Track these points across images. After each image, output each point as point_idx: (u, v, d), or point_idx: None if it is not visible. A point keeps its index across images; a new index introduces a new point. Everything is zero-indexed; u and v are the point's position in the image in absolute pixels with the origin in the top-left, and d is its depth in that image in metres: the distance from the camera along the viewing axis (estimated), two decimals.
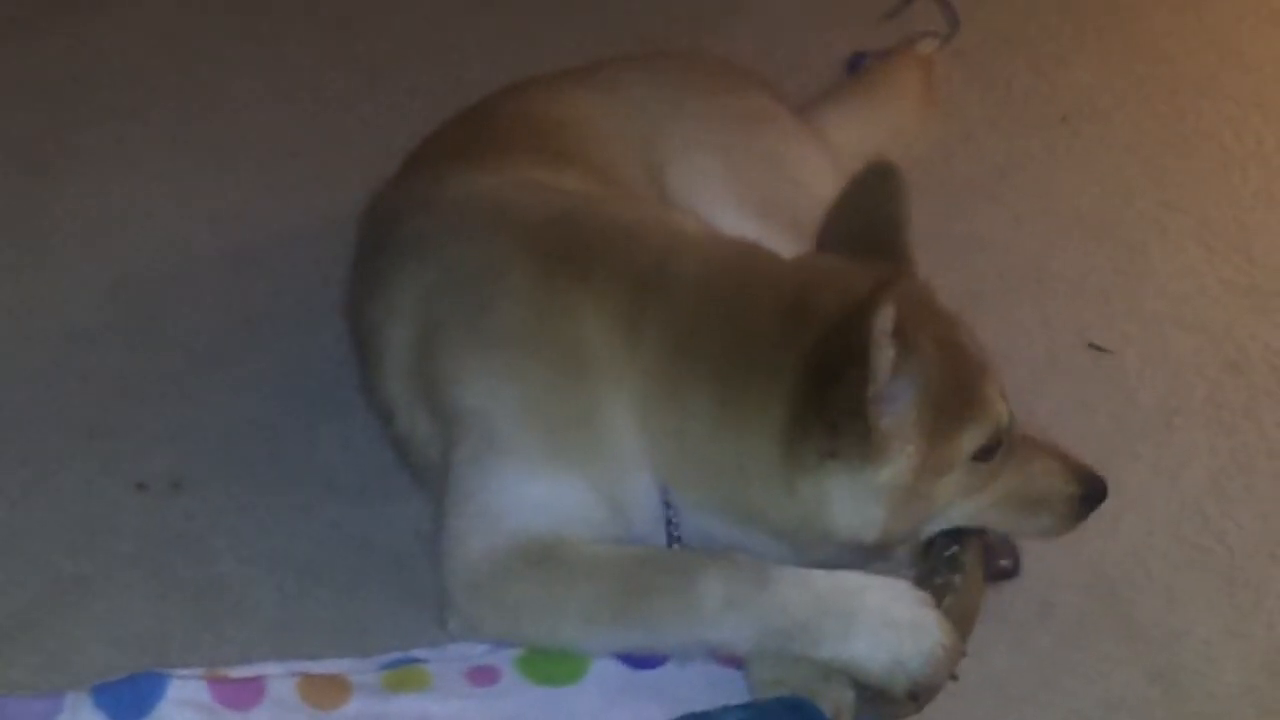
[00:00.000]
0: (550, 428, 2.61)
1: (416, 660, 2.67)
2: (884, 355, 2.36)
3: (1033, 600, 2.82)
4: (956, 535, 2.63)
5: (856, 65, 4.18)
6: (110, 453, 3.09)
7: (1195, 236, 3.71)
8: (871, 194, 2.70)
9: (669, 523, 2.65)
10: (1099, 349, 3.40)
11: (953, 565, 2.60)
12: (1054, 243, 3.69)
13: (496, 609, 2.62)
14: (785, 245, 2.83)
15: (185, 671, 2.60)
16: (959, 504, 2.58)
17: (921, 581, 2.60)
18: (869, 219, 2.67)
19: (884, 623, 2.47)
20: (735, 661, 2.59)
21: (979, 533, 2.65)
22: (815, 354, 2.43)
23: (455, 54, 4.31)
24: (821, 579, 2.51)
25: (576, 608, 2.58)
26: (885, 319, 2.34)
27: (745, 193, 3.13)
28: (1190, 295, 3.55)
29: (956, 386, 2.50)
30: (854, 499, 2.49)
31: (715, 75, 3.49)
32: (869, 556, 2.62)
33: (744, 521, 2.58)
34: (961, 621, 2.57)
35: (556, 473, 2.60)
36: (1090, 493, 2.65)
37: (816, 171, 3.34)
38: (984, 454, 2.54)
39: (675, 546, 2.66)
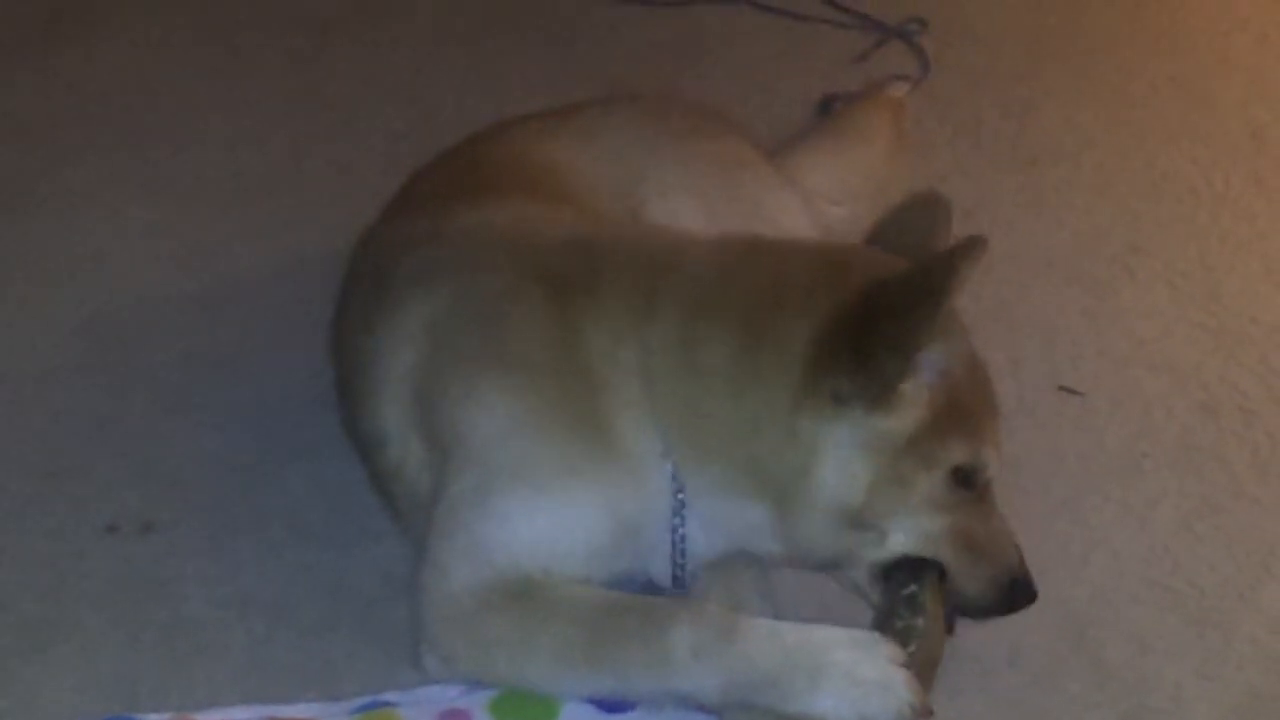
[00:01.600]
0: (560, 445, 2.61)
1: (387, 704, 2.65)
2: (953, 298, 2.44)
3: (1001, 642, 2.82)
4: (914, 574, 2.63)
5: (828, 108, 4.20)
6: (80, 494, 3.08)
7: (1163, 279, 3.73)
8: (914, 221, 2.74)
9: (675, 536, 2.65)
10: (1069, 391, 3.41)
11: (912, 606, 2.60)
12: (1023, 285, 3.70)
13: (471, 644, 2.61)
14: None
15: (154, 716, 2.59)
16: (924, 515, 2.59)
17: (883, 622, 2.61)
18: (906, 246, 2.69)
19: (851, 680, 2.47)
20: (706, 709, 2.59)
21: (935, 571, 2.65)
22: (862, 298, 2.48)
23: (427, 95, 4.32)
24: (792, 633, 2.52)
25: (549, 648, 2.57)
26: (973, 264, 2.41)
27: None
28: (1159, 337, 3.57)
29: (970, 399, 2.58)
30: (849, 449, 2.53)
31: (691, 120, 3.50)
32: (839, 564, 2.66)
33: (747, 493, 2.59)
34: (927, 666, 2.57)
35: (565, 496, 2.61)
36: (1022, 581, 2.66)
37: (791, 215, 3.36)
38: (961, 478, 2.57)
39: (677, 564, 2.68)
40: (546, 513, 2.61)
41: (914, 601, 2.61)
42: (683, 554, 2.68)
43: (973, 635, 2.72)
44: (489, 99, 4.11)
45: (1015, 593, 2.66)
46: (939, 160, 4.09)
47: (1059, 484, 3.17)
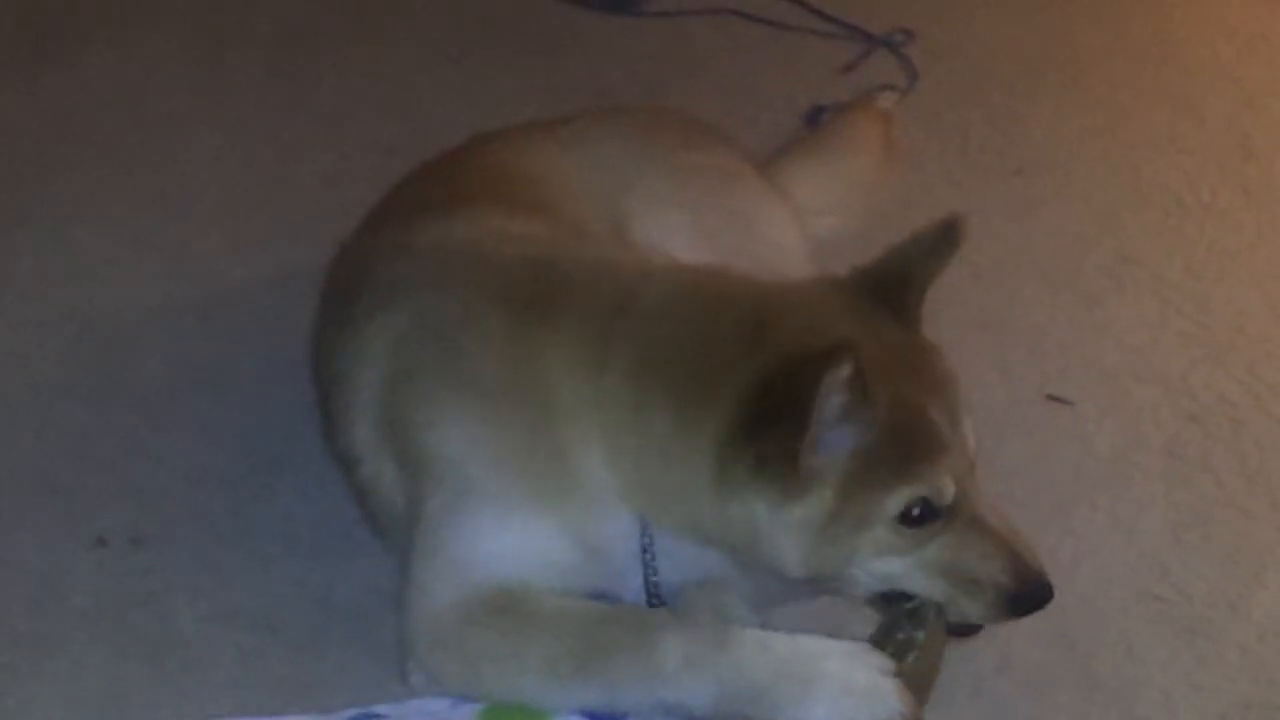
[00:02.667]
0: (523, 472, 2.61)
1: (377, 716, 2.65)
2: (829, 406, 2.37)
3: (991, 652, 2.82)
4: None
5: (815, 119, 4.21)
6: (68, 509, 3.08)
7: (1151, 289, 3.73)
8: (925, 238, 2.68)
9: (645, 561, 2.65)
10: (1057, 400, 3.42)
11: (914, 619, 2.60)
12: (1011, 295, 3.71)
13: (458, 660, 2.61)
14: None
15: None
16: (882, 560, 2.55)
17: (884, 635, 2.61)
18: (906, 260, 2.66)
19: (842, 689, 2.47)
20: None
21: None
22: (760, 385, 2.44)
23: (415, 106, 4.32)
24: (783, 643, 2.53)
25: (538, 660, 2.57)
26: (836, 379, 2.34)
27: (710, 249, 3.13)
28: (1147, 347, 3.57)
29: (899, 450, 2.47)
30: (772, 529, 2.49)
31: (679, 131, 3.50)
32: (821, 590, 2.65)
33: (708, 544, 2.59)
34: (923, 679, 2.58)
35: (531, 517, 2.60)
36: (1023, 593, 2.57)
37: (780, 226, 3.36)
38: (912, 520, 2.50)
39: (651, 583, 2.67)
40: (514, 532, 2.61)
41: (916, 614, 2.61)
42: (655, 585, 2.68)
43: (964, 645, 2.71)
44: (478, 111, 4.10)
45: (1020, 603, 2.59)
46: (926, 170, 4.10)
47: (1048, 493, 3.17)
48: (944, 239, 2.66)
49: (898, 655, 2.57)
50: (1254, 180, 4.09)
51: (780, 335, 2.50)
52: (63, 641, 2.81)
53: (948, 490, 2.51)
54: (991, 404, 3.37)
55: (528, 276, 2.73)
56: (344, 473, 2.93)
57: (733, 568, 2.65)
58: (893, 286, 2.63)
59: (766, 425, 2.42)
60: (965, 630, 2.67)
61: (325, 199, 3.90)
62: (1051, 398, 3.42)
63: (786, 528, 2.49)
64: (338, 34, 4.62)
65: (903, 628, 2.61)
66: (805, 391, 2.36)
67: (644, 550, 2.66)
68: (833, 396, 2.37)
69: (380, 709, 2.66)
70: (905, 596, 2.62)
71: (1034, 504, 3.12)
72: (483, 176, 3.13)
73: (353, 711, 2.67)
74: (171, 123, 4.25)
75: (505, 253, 2.81)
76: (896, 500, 2.48)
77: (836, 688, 2.48)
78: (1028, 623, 2.73)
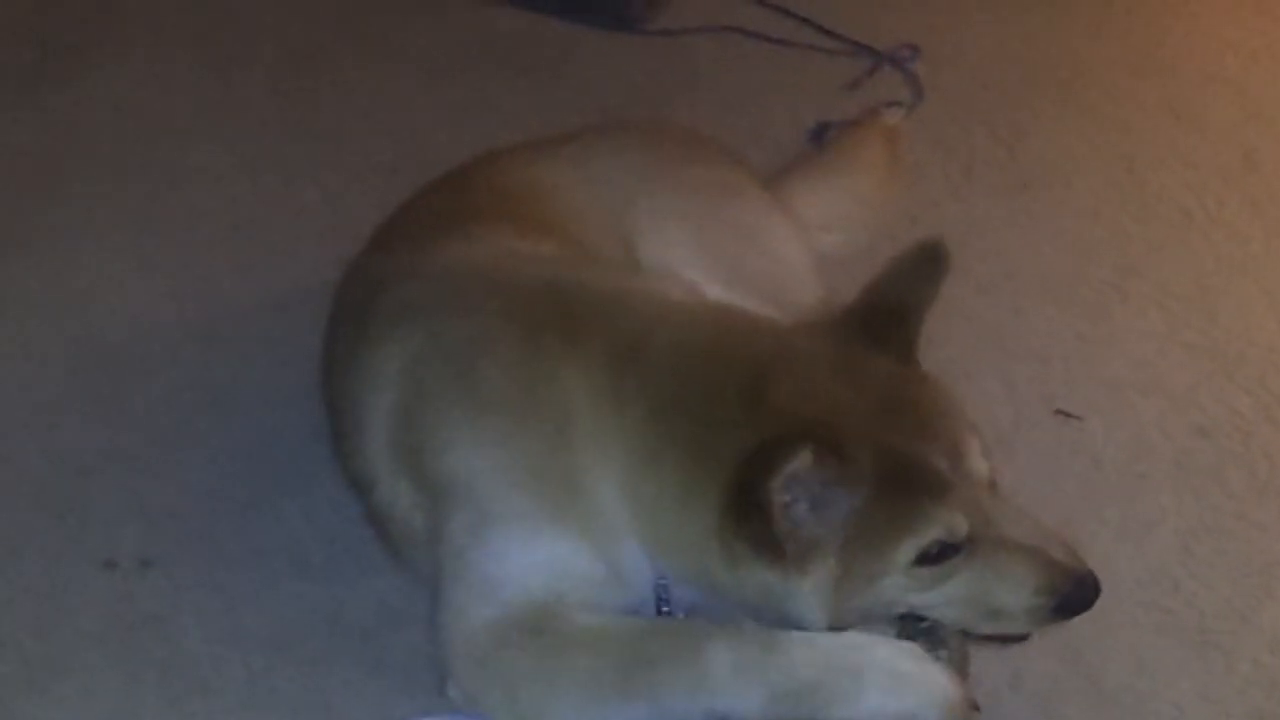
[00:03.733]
0: (542, 492, 2.60)
1: None
2: (801, 490, 2.37)
3: (1003, 667, 2.82)
4: None
5: (820, 135, 4.21)
6: (77, 531, 3.08)
7: (1157, 301, 3.73)
8: (911, 267, 2.63)
9: (658, 591, 2.64)
10: (1065, 415, 3.41)
11: (932, 640, 2.58)
12: (1018, 309, 3.71)
13: (496, 683, 2.60)
14: None
15: None
16: (908, 599, 2.53)
17: None
18: (898, 292, 2.61)
19: (894, 677, 2.47)
20: None
21: None
22: (739, 472, 2.41)
23: (419, 126, 4.32)
24: (827, 639, 2.51)
25: (577, 682, 2.56)
26: (794, 471, 2.34)
27: (715, 264, 3.13)
28: (1154, 360, 3.57)
29: (897, 502, 2.43)
30: (786, 596, 2.48)
31: (684, 146, 3.50)
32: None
33: (723, 600, 2.57)
34: None
35: (555, 535, 2.59)
36: (1066, 601, 2.51)
37: (785, 242, 3.35)
38: (930, 559, 2.47)
39: (664, 615, 2.66)
40: (542, 549, 2.60)
41: (933, 634, 2.60)
42: (668, 608, 2.66)
43: (974, 659, 2.70)
44: (481, 130, 4.10)
45: (1067, 609, 2.53)
46: (931, 185, 4.09)
47: (1057, 507, 3.16)
48: (931, 264, 2.63)
49: None
50: (1259, 191, 4.08)
51: (777, 398, 2.47)
52: (72, 663, 2.81)
53: (959, 528, 2.46)
54: (999, 420, 3.37)
55: (544, 300, 2.72)
56: (358, 495, 2.92)
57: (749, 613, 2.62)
58: (888, 320, 2.59)
59: (747, 517, 2.40)
60: (1011, 638, 2.65)
61: (328, 219, 3.90)
62: (1059, 412, 3.42)
63: (800, 595, 2.48)
64: (340, 55, 4.62)
65: (922, 647, 2.60)
66: (762, 490, 2.35)
67: (656, 585, 2.64)
68: (794, 486, 2.36)
69: None
70: (916, 616, 2.61)
71: (1043, 518, 3.11)
72: (490, 194, 3.13)
73: None
74: (175, 143, 4.25)
75: (520, 274, 2.81)
76: (905, 551, 2.45)
77: (888, 676, 2.48)
78: (1038, 638, 2.73)
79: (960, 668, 2.60)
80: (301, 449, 3.21)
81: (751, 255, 3.24)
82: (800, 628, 2.52)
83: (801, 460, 2.33)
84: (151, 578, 2.99)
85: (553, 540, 2.59)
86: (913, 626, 2.60)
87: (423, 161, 3.58)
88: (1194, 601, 3.00)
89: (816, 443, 2.34)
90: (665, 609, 2.66)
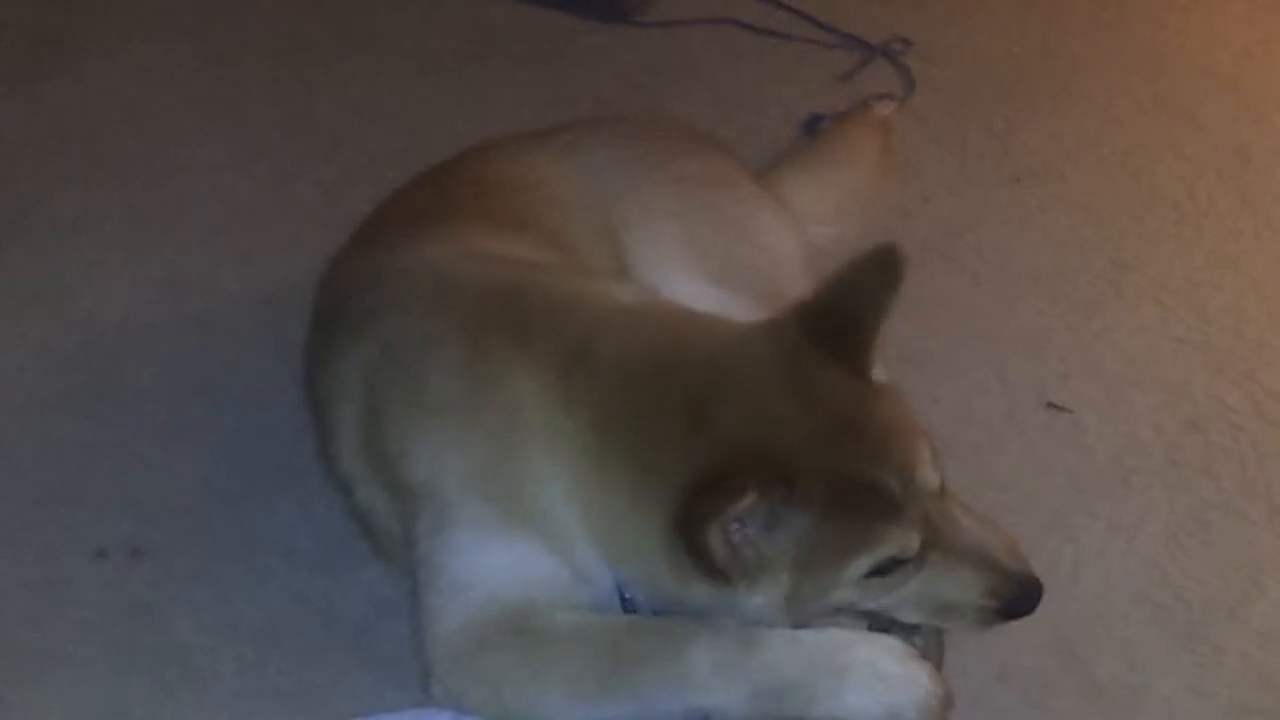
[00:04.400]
0: (494, 496, 2.59)
1: None
2: (745, 522, 2.36)
3: (993, 661, 2.83)
4: None
5: (813, 127, 4.21)
6: (69, 521, 3.08)
7: (1150, 295, 3.73)
8: (867, 274, 2.55)
9: (621, 591, 2.63)
10: (1057, 408, 3.42)
11: (906, 629, 2.60)
12: (1010, 302, 3.71)
13: (478, 682, 2.60)
14: (744, 308, 2.84)
15: None
16: (862, 604, 2.54)
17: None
18: (853, 300, 2.54)
19: (875, 676, 2.47)
20: None
21: None
22: (683, 507, 2.38)
23: (414, 119, 4.32)
24: (809, 637, 2.51)
25: (560, 679, 2.56)
26: (732, 514, 2.33)
27: (704, 257, 3.13)
28: (1146, 354, 3.58)
29: (846, 525, 2.42)
30: (739, 607, 2.49)
31: (674, 139, 3.49)
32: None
33: (675, 603, 2.55)
34: None
35: (510, 538, 2.58)
36: (1008, 604, 2.54)
37: (776, 235, 3.35)
38: (880, 572, 2.47)
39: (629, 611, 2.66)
40: (497, 552, 2.60)
41: (904, 623, 2.61)
42: (632, 608, 2.66)
43: (963, 653, 2.72)
44: (476, 123, 4.11)
45: (1009, 612, 2.56)
46: (924, 179, 4.10)
47: (1047, 500, 3.17)
48: (886, 272, 2.54)
49: None
50: (1252, 187, 4.09)
51: (724, 421, 2.43)
52: (63, 653, 2.82)
53: (910, 544, 2.46)
54: (990, 412, 3.38)
55: (495, 304, 2.70)
56: (341, 496, 2.93)
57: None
58: (842, 328, 2.52)
59: (693, 547, 2.37)
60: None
61: (324, 211, 3.90)
62: (1051, 405, 3.43)
63: (752, 608, 2.48)
64: (336, 46, 4.62)
65: (896, 635, 2.61)
66: (705, 531, 2.34)
67: (619, 587, 2.63)
68: (741, 516, 2.35)
69: (381, 718, 2.67)
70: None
71: (1033, 511, 3.13)
72: (474, 189, 3.13)
73: None
74: (170, 135, 4.25)
75: (475, 278, 2.78)
76: (855, 569, 2.44)
77: (869, 674, 2.48)
78: (1028, 630, 2.74)
79: (936, 654, 2.62)
80: (294, 441, 3.21)
81: (741, 248, 3.23)
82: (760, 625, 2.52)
83: (746, 500, 2.32)
84: (143, 568, 2.99)
85: (509, 545, 2.58)
86: (882, 617, 2.61)
87: (418, 154, 3.57)
88: (1183, 594, 3.01)
89: (761, 476, 2.32)
90: (630, 610, 2.66)
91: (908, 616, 2.57)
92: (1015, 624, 2.70)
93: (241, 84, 4.48)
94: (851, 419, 2.46)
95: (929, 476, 2.50)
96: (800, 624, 2.53)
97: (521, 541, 2.58)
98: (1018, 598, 2.54)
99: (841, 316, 2.52)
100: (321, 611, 2.92)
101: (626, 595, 2.64)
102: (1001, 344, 3.59)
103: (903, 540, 2.44)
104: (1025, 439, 3.34)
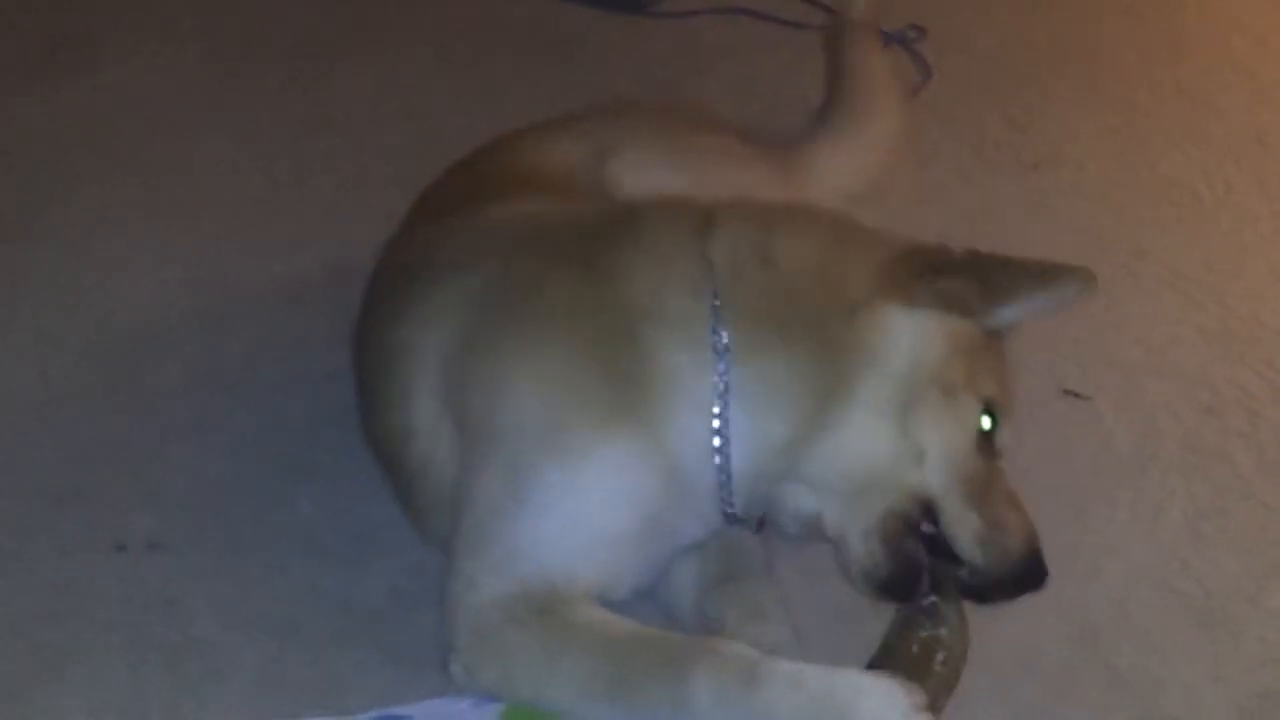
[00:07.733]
0: (602, 383, 2.60)
1: (398, 718, 2.66)
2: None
3: (1015, 650, 2.82)
4: (933, 584, 2.63)
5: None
6: (89, 516, 3.08)
7: (1168, 283, 3.73)
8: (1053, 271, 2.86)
9: (720, 481, 2.64)
10: (1075, 395, 3.41)
11: (934, 616, 2.60)
12: None
13: (496, 659, 2.60)
14: None
15: None
16: (958, 441, 2.65)
17: (905, 629, 2.62)
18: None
19: None
20: None
21: (953, 581, 2.65)
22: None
23: (430, 112, 4.33)
24: (815, 679, 2.46)
25: (570, 673, 2.56)
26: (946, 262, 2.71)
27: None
28: (1164, 341, 3.57)
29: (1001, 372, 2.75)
30: (910, 335, 2.63)
31: (694, 121, 3.51)
32: (870, 493, 2.65)
33: (804, 392, 2.61)
34: (952, 680, 2.60)
35: (604, 441, 2.59)
36: (1033, 562, 2.69)
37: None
38: (985, 434, 2.67)
39: (725, 503, 2.67)
40: (586, 474, 2.59)
41: (934, 611, 2.62)
42: (728, 481, 2.65)
43: (986, 643, 2.71)
44: (492, 116, 4.09)
45: (1028, 570, 2.66)
46: (941, 167, 4.10)
47: (1067, 489, 3.16)
48: (1066, 283, 2.85)
49: (925, 655, 2.58)
50: (1270, 173, 4.08)
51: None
52: (83, 648, 2.82)
53: (1007, 437, 2.73)
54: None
55: (605, 220, 2.80)
56: (389, 456, 2.91)
57: (803, 445, 2.63)
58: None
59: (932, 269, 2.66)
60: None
61: (342, 206, 3.91)
62: (1069, 393, 3.42)
63: (936, 334, 2.65)
64: (351, 43, 4.64)
65: (923, 625, 2.61)
66: (931, 266, 2.66)
67: (719, 470, 2.64)
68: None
69: (400, 710, 2.67)
70: (922, 594, 2.63)
71: (1053, 499, 3.11)
72: (515, 174, 3.15)
73: (373, 714, 2.67)
74: (188, 132, 4.27)
75: (575, 212, 2.89)
76: (995, 388, 2.70)
77: None
78: (1050, 621, 2.76)
79: (957, 670, 2.61)
80: (313, 435, 3.22)
81: None
82: (881, 400, 2.62)
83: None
84: (162, 562, 2.99)
85: (603, 460, 2.59)
86: (914, 604, 2.61)
87: (435, 148, 3.58)
88: (1203, 581, 3.00)
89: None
90: (729, 510, 2.67)
91: (963, 514, 2.65)
92: (1037, 614, 2.72)
93: (258, 81, 4.49)
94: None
95: (1006, 436, 2.73)
96: (910, 431, 2.63)
97: (614, 446, 2.59)
98: (1039, 562, 2.69)
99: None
100: (341, 604, 2.91)
101: (726, 496, 2.66)
102: (1019, 331, 3.56)
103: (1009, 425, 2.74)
104: (1044, 427, 3.32)
